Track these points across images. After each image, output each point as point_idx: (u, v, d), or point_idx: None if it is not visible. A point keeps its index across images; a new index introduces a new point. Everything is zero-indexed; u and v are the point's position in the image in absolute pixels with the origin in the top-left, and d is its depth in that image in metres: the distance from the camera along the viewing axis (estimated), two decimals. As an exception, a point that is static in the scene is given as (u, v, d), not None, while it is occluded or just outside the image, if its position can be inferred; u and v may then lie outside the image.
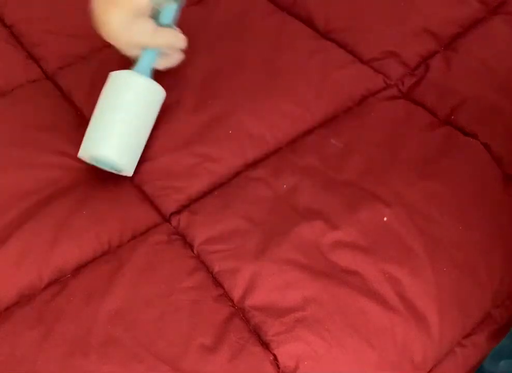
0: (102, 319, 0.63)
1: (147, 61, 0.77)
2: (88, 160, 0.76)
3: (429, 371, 0.66)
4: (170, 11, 0.77)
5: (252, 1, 0.98)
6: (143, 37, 0.73)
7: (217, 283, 0.66)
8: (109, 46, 0.93)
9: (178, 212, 0.74)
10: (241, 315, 0.64)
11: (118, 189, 0.75)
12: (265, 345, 0.62)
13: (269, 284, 0.65)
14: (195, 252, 0.69)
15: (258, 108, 0.82)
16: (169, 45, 0.78)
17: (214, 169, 0.77)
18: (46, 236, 0.70)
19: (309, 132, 0.82)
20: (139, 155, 0.76)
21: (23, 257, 0.69)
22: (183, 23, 0.96)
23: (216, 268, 0.67)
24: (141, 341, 0.62)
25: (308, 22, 0.95)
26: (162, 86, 0.77)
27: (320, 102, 0.84)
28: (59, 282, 0.68)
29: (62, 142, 0.80)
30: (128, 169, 0.75)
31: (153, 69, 0.78)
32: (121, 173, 0.76)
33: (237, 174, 0.77)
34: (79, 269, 0.69)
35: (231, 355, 0.61)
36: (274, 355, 0.61)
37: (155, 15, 0.75)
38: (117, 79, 0.76)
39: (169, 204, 0.75)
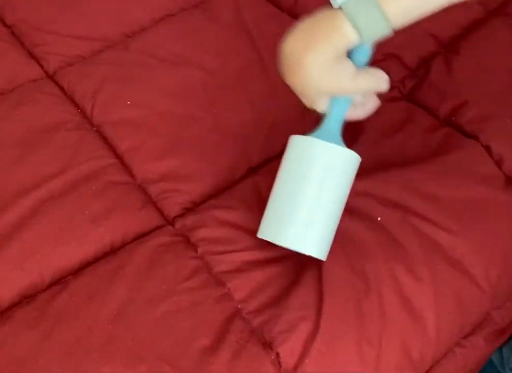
0: (104, 319, 0.64)
1: (338, 115, 0.65)
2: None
3: (428, 370, 0.66)
4: (365, 51, 0.63)
5: (252, 3, 0.99)
6: (346, 80, 0.60)
7: (220, 284, 0.67)
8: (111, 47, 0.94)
9: (181, 215, 0.74)
10: (243, 315, 0.64)
11: (122, 191, 0.75)
12: (266, 345, 0.62)
13: (274, 284, 0.66)
14: (199, 252, 0.69)
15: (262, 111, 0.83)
16: (372, 89, 0.65)
17: (219, 173, 0.77)
18: (48, 236, 0.70)
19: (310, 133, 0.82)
20: (331, 239, 0.66)
21: (24, 257, 0.69)
22: (185, 26, 0.97)
23: (219, 269, 0.68)
24: (143, 341, 0.62)
25: (309, 23, 0.96)
26: None
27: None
28: (60, 282, 0.68)
29: (64, 141, 0.80)
30: (319, 256, 0.65)
31: (343, 125, 0.66)
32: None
33: (242, 177, 0.77)
34: (80, 269, 0.69)
35: (232, 355, 0.61)
36: (277, 354, 0.62)
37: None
38: (303, 149, 0.64)
39: (173, 207, 0.75)
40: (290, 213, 0.63)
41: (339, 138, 0.65)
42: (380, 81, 0.64)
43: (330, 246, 0.65)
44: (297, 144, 0.65)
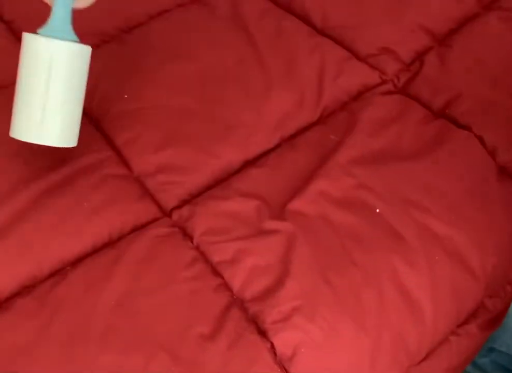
0: (102, 309, 0.64)
1: (65, 7, 0.69)
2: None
3: (424, 359, 0.67)
4: None
5: (249, -2, 0.99)
6: None
7: (217, 273, 0.67)
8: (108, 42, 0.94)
9: (178, 207, 0.75)
10: (240, 304, 0.65)
11: (119, 183, 0.76)
12: (263, 334, 0.63)
13: (270, 273, 0.66)
14: (195, 243, 0.70)
15: (259, 105, 0.83)
16: None
17: (216, 165, 0.78)
18: (47, 228, 0.71)
19: (307, 128, 0.83)
20: (74, 127, 0.70)
21: (24, 249, 0.69)
22: (181, 21, 0.97)
23: (216, 259, 0.68)
24: (141, 330, 0.63)
25: (305, 19, 0.97)
26: None
27: (317, 98, 0.85)
28: (59, 273, 0.68)
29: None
30: (70, 144, 0.70)
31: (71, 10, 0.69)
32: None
33: (238, 170, 0.78)
34: (79, 260, 0.70)
35: (229, 344, 0.62)
36: (272, 343, 0.62)
37: None
38: (33, 46, 0.68)
39: (170, 199, 0.75)
40: (26, 110, 0.67)
41: (69, 30, 0.68)
42: None
43: (76, 134, 0.70)
44: (26, 42, 0.68)
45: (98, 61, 0.91)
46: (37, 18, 0.97)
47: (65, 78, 0.67)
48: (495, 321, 0.73)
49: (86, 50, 0.69)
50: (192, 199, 0.75)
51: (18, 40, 0.96)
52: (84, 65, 0.69)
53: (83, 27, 0.96)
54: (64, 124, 0.68)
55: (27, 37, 0.68)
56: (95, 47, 0.94)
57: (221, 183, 0.77)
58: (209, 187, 0.76)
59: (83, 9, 0.70)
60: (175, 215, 0.74)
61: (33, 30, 0.97)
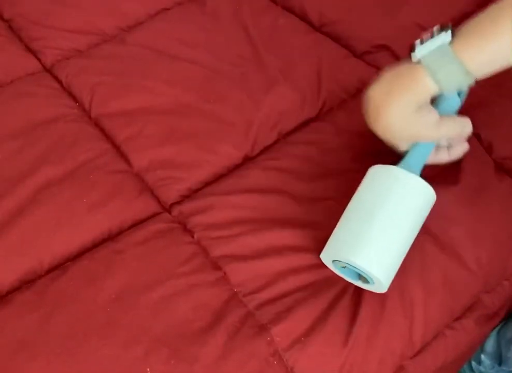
0: (102, 303, 0.65)
1: (420, 156, 0.66)
2: (328, 263, 0.66)
3: (419, 351, 0.67)
4: (454, 99, 0.66)
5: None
6: (428, 128, 0.63)
7: (216, 268, 0.68)
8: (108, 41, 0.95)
9: (178, 202, 0.75)
10: (239, 298, 0.66)
11: (119, 179, 0.77)
12: (262, 327, 0.64)
13: (269, 268, 0.67)
14: (195, 238, 0.71)
15: (258, 101, 0.84)
16: (455, 136, 0.67)
17: (216, 161, 0.78)
18: (47, 223, 0.72)
19: (305, 124, 0.84)
20: (397, 269, 0.64)
21: (24, 244, 0.70)
22: (181, 20, 0.98)
23: (215, 253, 0.69)
24: (141, 323, 0.63)
25: (302, 16, 0.97)
26: None
27: (315, 95, 0.86)
28: (59, 267, 0.69)
29: (63, 133, 0.81)
30: (383, 284, 0.63)
31: (423, 166, 0.67)
32: (367, 287, 0.65)
33: (238, 166, 0.79)
34: (79, 255, 0.70)
35: (228, 337, 0.63)
36: (271, 336, 0.63)
37: (435, 102, 0.65)
38: (383, 175, 0.64)
39: (170, 195, 0.76)
40: (365, 234, 0.61)
41: (418, 176, 0.65)
42: (463, 128, 0.66)
43: (392, 278, 0.64)
44: (378, 171, 0.65)
45: (98, 60, 0.92)
46: (37, 18, 0.99)
47: (412, 215, 0.63)
48: (493, 317, 0.74)
49: (432, 196, 0.65)
50: (191, 194, 0.76)
51: (18, 38, 0.98)
52: (427, 211, 0.66)
53: (83, 26, 0.97)
54: (393, 259, 0.63)
55: (378, 167, 0.66)
56: (95, 47, 0.95)
57: (221, 178, 0.77)
58: (209, 183, 0.77)
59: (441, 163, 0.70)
60: (175, 211, 0.74)
61: (33, 29, 0.98)
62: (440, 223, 0.70)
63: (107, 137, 0.82)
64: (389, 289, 0.64)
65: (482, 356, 0.90)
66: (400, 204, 0.62)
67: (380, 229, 0.61)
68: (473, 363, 0.92)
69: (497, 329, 0.88)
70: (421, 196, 0.64)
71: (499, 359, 0.89)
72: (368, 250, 0.61)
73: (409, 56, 0.62)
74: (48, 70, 0.93)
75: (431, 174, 0.69)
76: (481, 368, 0.91)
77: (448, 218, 0.71)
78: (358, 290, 0.66)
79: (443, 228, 0.71)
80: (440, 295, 0.67)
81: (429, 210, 0.66)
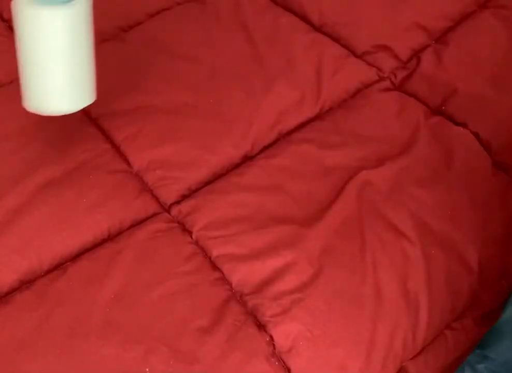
0: (102, 302, 0.65)
1: None
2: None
3: (420, 352, 0.67)
4: None
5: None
6: None
7: (215, 267, 0.68)
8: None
9: (177, 202, 0.75)
10: (238, 298, 0.66)
11: (119, 179, 0.77)
12: (261, 327, 0.64)
13: (268, 267, 0.67)
14: (194, 237, 0.71)
15: (258, 101, 0.84)
16: None
17: (215, 160, 0.78)
18: (46, 223, 0.72)
19: (304, 123, 0.84)
20: (88, 84, 0.69)
21: (23, 244, 0.70)
22: (181, 20, 0.98)
23: (214, 253, 0.69)
24: (140, 323, 0.64)
25: (303, 16, 0.97)
26: None
27: (315, 94, 0.86)
28: (59, 267, 0.69)
29: (62, 133, 0.81)
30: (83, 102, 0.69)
31: None
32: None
33: (237, 165, 0.79)
34: (78, 255, 0.70)
35: (227, 336, 0.63)
36: (271, 336, 0.63)
37: None
38: (27, 16, 0.67)
39: (169, 194, 0.76)
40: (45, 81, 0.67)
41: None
42: None
43: (91, 88, 0.69)
44: (19, 10, 0.68)
45: (98, 59, 0.92)
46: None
47: (65, 43, 0.66)
48: (491, 316, 0.74)
49: (80, 5, 0.66)
50: (191, 194, 0.76)
51: (18, 38, 0.98)
52: (83, 21, 0.67)
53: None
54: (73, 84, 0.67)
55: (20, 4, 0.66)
56: (95, 46, 0.95)
57: (220, 178, 0.77)
58: (208, 182, 0.77)
59: None
60: (175, 211, 0.74)
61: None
62: (441, 223, 0.70)
63: (107, 136, 0.82)
64: (393, 291, 0.65)
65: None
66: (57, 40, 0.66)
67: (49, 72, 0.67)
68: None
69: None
70: (63, 20, 0.65)
71: None
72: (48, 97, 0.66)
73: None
74: (48, 70, 0.93)
75: (428, 174, 0.70)
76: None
77: (448, 218, 0.72)
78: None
79: (443, 226, 0.71)
80: (443, 295, 0.68)
81: (86, 16, 0.68)
